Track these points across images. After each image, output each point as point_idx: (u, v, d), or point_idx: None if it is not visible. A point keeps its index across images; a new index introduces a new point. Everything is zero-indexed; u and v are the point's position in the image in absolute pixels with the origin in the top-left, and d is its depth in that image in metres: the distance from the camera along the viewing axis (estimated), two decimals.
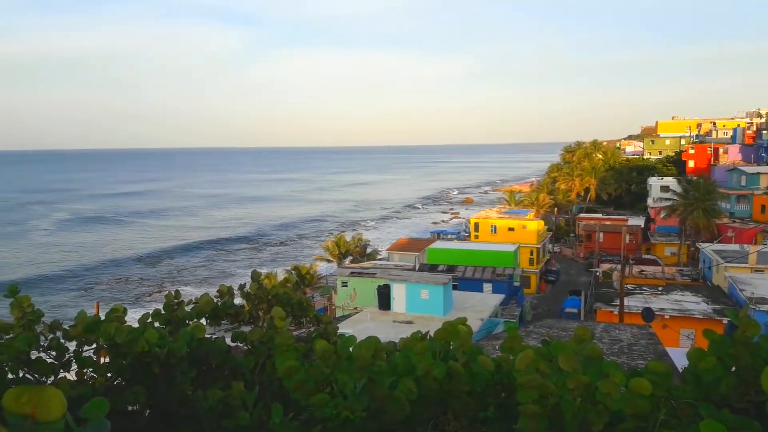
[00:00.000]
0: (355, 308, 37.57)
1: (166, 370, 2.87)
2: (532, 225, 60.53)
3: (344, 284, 40.57)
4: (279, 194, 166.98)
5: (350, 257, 59.43)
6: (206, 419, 2.61)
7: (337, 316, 38.70)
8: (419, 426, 2.35)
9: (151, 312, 3.61)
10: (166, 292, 3.84)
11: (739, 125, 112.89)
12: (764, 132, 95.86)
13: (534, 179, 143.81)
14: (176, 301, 3.76)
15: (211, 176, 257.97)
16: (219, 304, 3.77)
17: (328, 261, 60.59)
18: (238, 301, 4.11)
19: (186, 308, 3.78)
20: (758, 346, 2.10)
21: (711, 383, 2.09)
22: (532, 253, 57.84)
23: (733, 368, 2.16)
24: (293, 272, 52.87)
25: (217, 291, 3.88)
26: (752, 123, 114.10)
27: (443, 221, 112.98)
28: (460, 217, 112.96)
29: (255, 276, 4.08)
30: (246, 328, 3.65)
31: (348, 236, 66.17)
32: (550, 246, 69.71)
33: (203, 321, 3.67)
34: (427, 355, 2.46)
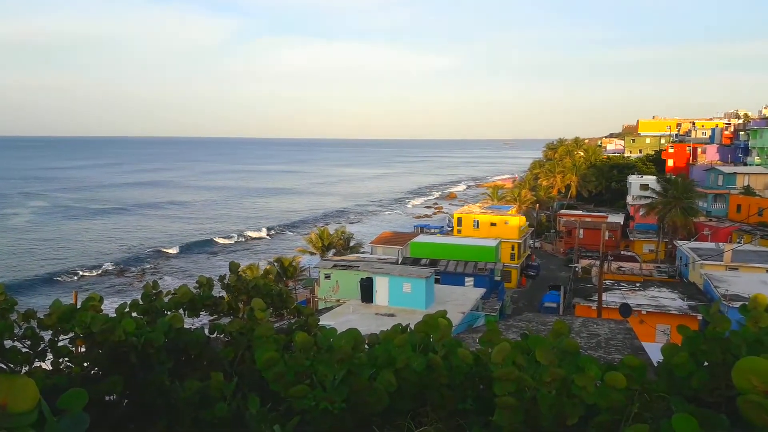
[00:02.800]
0: (338, 301, 37.54)
1: (143, 360, 2.84)
2: (514, 220, 60.97)
3: (327, 277, 40.49)
4: (262, 186, 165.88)
5: (333, 250, 59.33)
6: (184, 410, 2.59)
7: (319, 308, 38.65)
8: (398, 418, 2.36)
9: (128, 302, 3.57)
10: (145, 283, 3.80)
11: (717, 126, 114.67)
12: (741, 133, 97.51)
13: (516, 175, 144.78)
14: (155, 291, 3.72)
15: (194, 167, 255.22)
16: (198, 295, 3.75)
17: (311, 253, 60.42)
18: (218, 292, 4.08)
19: (164, 299, 3.75)
20: (729, 342, 2.14)
21: (683, 378, 2.13)
22: (513, 248, 58.30)
23: (705, 363, 2.20)
24: (275, 264, 52.65)
25: (196, 282, 3.85)
26: (730, 124, 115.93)
27: (427, 215, 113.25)
28: (443, 212, 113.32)
29: (234, 267, 4.05)
30: (226, 320, 3.63)
31: (331, 229, 66.02)
32: (531, 241, 70.31)
33: (182, 312, 3.64)
34: (406, 347, 2.47)
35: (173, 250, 78.81)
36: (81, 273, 65.32)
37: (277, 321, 4.37)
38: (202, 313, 3.96)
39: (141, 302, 3.64)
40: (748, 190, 69.22)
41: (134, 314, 3.50)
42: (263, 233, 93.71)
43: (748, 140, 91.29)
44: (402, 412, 2.36)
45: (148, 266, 69.88)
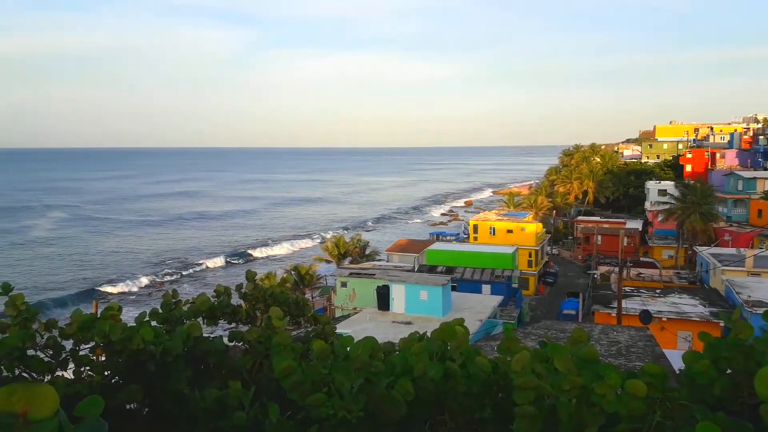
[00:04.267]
0: (355, 309, 37.54)
1: (162, 369, 2.87)
2: (531, 227, 60.58)
3: (343, 285, 40.55)
4: (278, 195, 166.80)
5: (349, 258, 59.43)
6: (202, 419, 2.61)
7: (336, 316, 38.68)
8: (415, 426, 2.36)
9: (148, 311, 3.61)
10: (164, 292, 3.84)
11: (736, 130, 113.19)
12: (761, 137, 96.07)
13: (533, 182, 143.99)
14: (174, 300, 3.76)
15: (209, 176, 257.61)
16: (216, 303, 3.78)
17: (328, 261, 60.57)
18: (236, 301, 4.11)
19: (183, 308, 3.78)
20: (752, 349, 2.11)
21: (705, 385, 2.10)
22: (530, 255, 57.88)
23: (728, 371, 2.17)
24: (292, 272, 52.86)
25: (214, 291, 3.88)
26: (749, 128, 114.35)
27: (442, 223, 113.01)
28: (459, 219, 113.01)
29: (250, 276, 4.08)
30: (244, 329, 3.65)
31: (347, 237, 66.17)
32: (548, 248, 69.77)
33: (200, 321, 3.67)
34: (424, 355, 2.46)
35: (196, 261, 79.50)
36: (104, 284, 66.09)
37: (295, 329, 4.39)
38: (220, 321, 3.99)
39: (160, 311, 3.67)
40: None
41: (153, 323, 3.54)
42: (279, 240, 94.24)
43: None
44: (419, 421, 2.35)
45: (169, 277, 70.45)
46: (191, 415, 2.76)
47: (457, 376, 2.36)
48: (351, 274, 41.46)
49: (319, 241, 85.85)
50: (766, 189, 69.67)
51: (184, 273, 72.56)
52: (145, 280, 67.37)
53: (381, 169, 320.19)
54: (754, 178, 72.74)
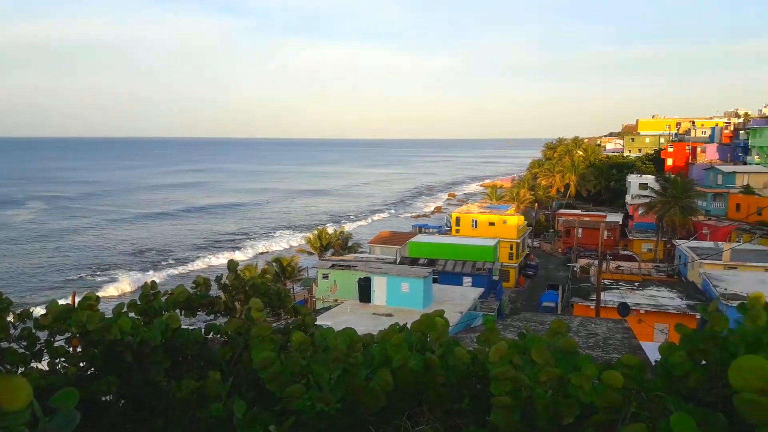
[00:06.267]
0: (336, 300, 37.54)
1: (139, 360, 2.84)
2: (513, 220, 61.00)
3: (325, 276, 40.50)
4: (260, 187, 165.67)
5: (331, 250, 59.36)
6: (179, 409, 2.58)
7: (317, 308, 38.64)
8: (394, 417, 2.36)
9: (126, 303, 3.57)
10: (144, 283, 3.79)
11: (717, 125, 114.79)
12: (741, 132, 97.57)
13: (516, 175, 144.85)
14: (152, 291, 3.71)
15: (193, 166, 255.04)
16: (195, 294, 3.74)
17: (310, 253, 60.44)
18: (216, 293, 4.07)
19: (162, 299, 3.74)
20: (726, 341, 2.13)
21: (681, 377, 2.12)
22: (511, 248, 58.33)
23: (703, 362, 2.19)
24: (273, 264, 52.65)
25: (193, 282, 3.85)
26: (730, 123, 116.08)
27: (425, 215, 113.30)
28: (442, 212, 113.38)
29: (232, 266, 4.04)
30: (224, 320, 3.63)
31: (330, 229, 66.03)
32: (529, 241, 70.34)
33: (179, 312, 3.63)
34: (403, 346, 2.46)
35: (177, 253, 78.78)
36: (82, 276, 65.23)
37: (275, 321, 4.37)
38: (199, 313, 3.95)
39: (139, 302, 3.63)
40: (747, 189, 69.25)
41: (132, 314, 3.49)
42: (261, 232, 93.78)
43: (748, 139, 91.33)
44: (398, 412, 2.36)
45: (150, 270, 69.73)
46: (168, 405, 2.74)
47: (436, 367, 2.36)
48: (333, 266, 41.41)
49: (301, 232, 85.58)
50: (744, 183, 70.91)
51: (164, 265, 71.90)
52: (124, 273, 66.63)
53: (365, 161, 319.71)
54: (734, 173, 73.93)
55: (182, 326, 3.27)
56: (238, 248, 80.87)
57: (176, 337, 3.14)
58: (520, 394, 1.98)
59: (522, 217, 65.21)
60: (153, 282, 3.85)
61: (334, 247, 59.72)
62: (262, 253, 75.00)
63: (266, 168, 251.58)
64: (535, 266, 62.02)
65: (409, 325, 2.77)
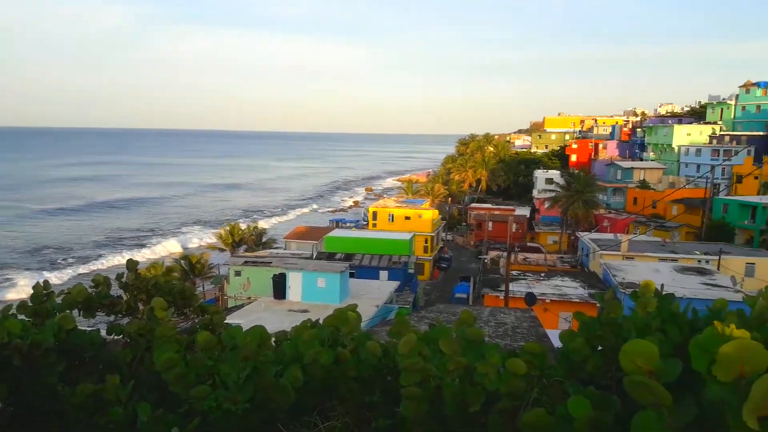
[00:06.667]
0: (249, 298, 36.78)
1: (29, 364, 2.64)
2: (428, 214, 62.30)
3: (237, 273, 39.58)
4: (167, 181, 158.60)
5: (244, 246, 58.05)
6: (74, 415, 2.43)
7: (229, 306, 37.72)
8: (305, 414, 2.33)
9: (15, 304, 3.31)
10: (36, 283, 3.52)
11: (617, 123, 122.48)
12: (638, 130, 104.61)
13: (431, 170, 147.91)
14: (45, 292, 3.46)
15: (99, 158, 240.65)
16: (94, 294, 3.52)
17: (221, 250, 58.78)
18: (117, 292, 3.85)
19: (57, 299, 3.49)
20: (620, 327, 2.27)
21: (579, 362, 2.23)
22: (426, 241, 59.58)
23: (600, 348, 2.32)
24: (182, 261, 50.80)
25: (92, 281, 3.62)
26: (629, 121, 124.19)
27: (342, 210, 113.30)
28: (359, 206, 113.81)
29: (131, 265, 3.83)
30: (126, 321, 3.44)
31: (243, 224, 64.56)
32: (443, 234, 72.11)
33: (76, 313, 3.41)
34: (315, 342, 2.43)
35: (78, 252, 74.11)
36: None
37: (183, 321, 4.20)
38: (99, 314, 3.72)
39: (30, 303, 3.37)
40: (643, 184, 74.51)
41: (22, 316, 3.24)
42: (169, 228, 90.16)
43: (645, 137, 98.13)
44: (309, 408, 2.33)
45: (48, 270, 65.18)
46: (64, 411, 2.58)
47: (347, 361, 2.35)
48: (246, 262, 40.55)
49: (212, 228, 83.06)
50: (641, 178, 76.18)
51: (63, 264, 67.53)
52: (18, 273, 61.93)
53: (280, 155, 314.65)
54: (632, 168, 79.23)
55: (82, 328, 3.08)
56: (144, 245, 77.31)
57: (71, 338, 2.95)
58: (429, 385, 2.01)
59: (436, 212, 66.74)
60: (46, 282, 3.58)
61: (248, 243, 58.44)
62: (169, 252, 72.13)
63: (173, 161, 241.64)
64: (449, 259, 63.69)
65: (322, 321, 2.75)
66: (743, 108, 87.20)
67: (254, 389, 2.19)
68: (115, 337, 3.27)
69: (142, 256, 66.42)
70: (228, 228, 60.16)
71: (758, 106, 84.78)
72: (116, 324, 3.30)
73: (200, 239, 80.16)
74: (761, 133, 79.54)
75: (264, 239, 61.29)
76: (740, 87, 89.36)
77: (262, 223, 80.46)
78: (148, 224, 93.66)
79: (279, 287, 32.82)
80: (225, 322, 3.59)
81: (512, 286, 32.90)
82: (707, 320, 2.22)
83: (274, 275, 33.42)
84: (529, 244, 61.65)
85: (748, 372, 1.40)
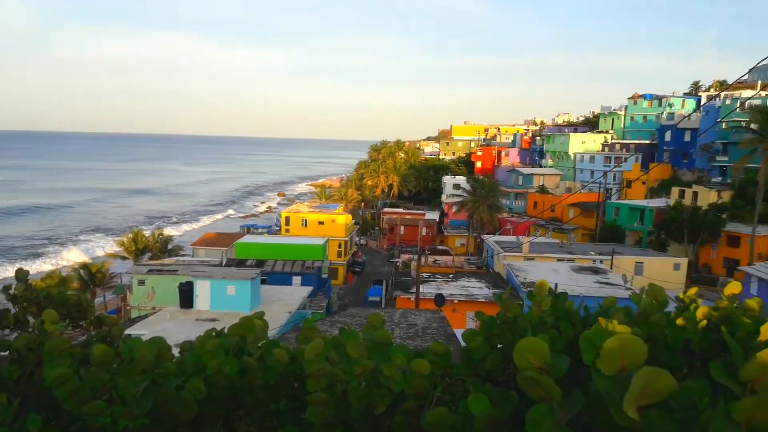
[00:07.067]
0: (154, 308, 35.14)
1: None
2: (341, 219, 62.32)
3: (141, 283, 37.69)
4: (69, 186, 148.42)
5: (149, 254, 55.41)
6: None
7: (132, 317, 35.85)
8: (209, 425, 2.27)
9: None
10: None
11: (518, 131, 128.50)
12: (537, 138, 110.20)
13: (343, 175, 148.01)
14: None
15: None
16: None
17: (124, 258, 55.79)
18: (4, 304, 3.57)
19: None
20: (517, 325, 2.39)
21: (480, 360, 2.33)
22: (340, 246, 59.55)
23: (498, 345, 2.43)
24: (81, 271, 47.76)
25: None
26: (529, 130, 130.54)
27: (254, 215, 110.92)
28: (272, 212, 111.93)
29: (21, 275, 3.57)
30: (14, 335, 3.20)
31: (147, 231, 61.63)
32: (357, 239, 72.42)
33: None
34: (218, 352, 2.38)
35: None
36: None
37: (80, 334, 3.96)
38: None
39: None
40: (542, 189, 78.60)
41: None
42: (68, 236, 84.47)
43: (543, 145, 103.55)
44: (214, 419, 2.27)
45: None
46: None
47: (253, 370, 2.32)
48: (150, 270, 38.70)
49: (114, 236, 78.62)
50: (540, 184, 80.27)
51: None
52: None
53: (190, 159, 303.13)
54: (532, 174, 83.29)
55: None
56: (39, 255, 71.94)
57: None
58: (335, 389, 2.02)
59: (350, 216, 66.94)
60: None
61: (152, 250, 55.83)
62: (68, 261, 67.54)
63: (74, 165, 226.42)
64: (362, 263, 64.03)
65: (227, 329, 2.69)
66: (632, 118, 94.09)
67: (153, 403, 2.10)
68: (1, 353, 3.04)
69: (38, 266, 61.84)
70: (131, 235, 57.17)
71: (645, 117, 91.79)
72: (3, 339, 3.07)
73: (102, 248, 75.69)
74: (647, 142, 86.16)
75: (170, 246, 58.82)
76: (629, 99, 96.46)
77: (170, 230, 77.21)
78: (44, 232, 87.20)
79: (186, 296, 31.56)
80: (126, 333, 3.42)
81: (423, 288, 33.58)
82: (597, 317, 2.38)
83: (181, 283, 32.12)
84: (438, 247, 63.27)
85: (628, 365, 1.51)
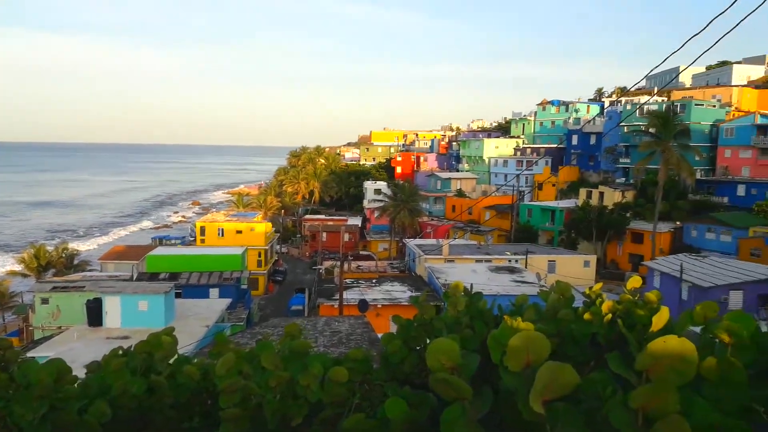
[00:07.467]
0: (60, 328, 33.00)
1: None
2: (260, 227, 61.12)
3: (44, 301, 35.30)
4: None
5: (53, 270, 51.99)
6: None
7: (35, 338, 33.49)
8: None
9: None
10: None
11: (436, 137, 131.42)
12: (454, 143, 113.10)
13: (262, 182, 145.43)
14: None
15: None
16: None
17: (24, 275, 52.02)
18: None
19: None
20: (432, 327, 2.42)
21: (398, 364, 2.34)
22: (260, 255, 58.38)
23: (416, 348, 2.45)
24: None
25: None
26: (445, 135, 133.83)
27: (166, 225, 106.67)
28: (185, 222, 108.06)
29: None
30: None
31: (50, 246, 57.83)
32: (277, 247, 71.29)
33: None
34: (124, 371, 2.25)
35: None
36: None
37: None
38: None
39: None
40: (460, 193, 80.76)
41: None
42: None
43: (460, 150, 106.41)
44: None
45: None
46: None
47: (162, 388, 2.21)
48: (54, 288, 36.33)
49: (13, 252, 73.16)
50: (458, 188, 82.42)
51: None
52: None
53: (95, 168, 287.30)
54: (450, 179, 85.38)
55: None
56: None
57: None
58: (249, 404, 1.97)
59: (270, 224, 65.81)
60: None
61: (56, 266, 52.43)
62: None
63: None
64: (284, 272, 63.09)
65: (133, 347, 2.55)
66: (541, 123, 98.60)
67: (53, 429, 1.96)
68: None
69: None
70: (32, 250, 53.41)
71: (552, 122, 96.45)
72: None
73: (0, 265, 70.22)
74: (556, 146, 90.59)
75: (76, 261, 55.48)
76: (538, 105, 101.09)
77: (77, 244, 72.80)
78: None
79: (94, 313, 29.82)
80: (29, 356, 3.18)
81: (346, 294, 33.53)
82: (510, 315, 2.45)
83: (88, 300, 30.33)
84: (361, 252, 63.38)
85: (533, 361, 1.57)
